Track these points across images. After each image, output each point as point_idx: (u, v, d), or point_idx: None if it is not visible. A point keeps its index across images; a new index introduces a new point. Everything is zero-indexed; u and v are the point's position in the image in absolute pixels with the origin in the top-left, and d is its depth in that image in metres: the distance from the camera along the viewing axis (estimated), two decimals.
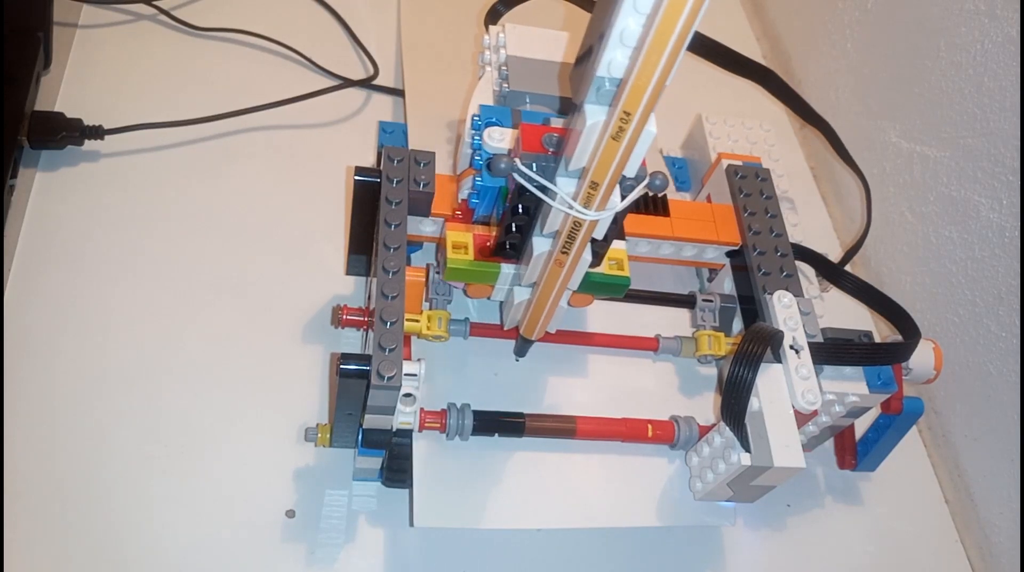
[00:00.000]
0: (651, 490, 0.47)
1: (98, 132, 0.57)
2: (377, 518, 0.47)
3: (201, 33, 0.67)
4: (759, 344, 0.42)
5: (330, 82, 0.66)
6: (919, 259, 0.62)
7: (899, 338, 0.49)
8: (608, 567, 0.48)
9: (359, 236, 0.50)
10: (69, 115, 0.57)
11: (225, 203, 0.58)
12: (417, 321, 0.45)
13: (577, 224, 0.37)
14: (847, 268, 0.55)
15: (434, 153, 0.48)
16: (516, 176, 0.38)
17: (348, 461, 0.48)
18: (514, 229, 0.43)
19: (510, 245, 0.44)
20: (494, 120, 0.48)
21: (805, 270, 0.54)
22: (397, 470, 0.45)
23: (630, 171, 0.36)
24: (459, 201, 0.48)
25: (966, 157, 0.58)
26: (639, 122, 0.31)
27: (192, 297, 0.53)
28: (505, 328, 0.49)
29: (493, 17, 0.58)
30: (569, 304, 0.45)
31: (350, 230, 0.50)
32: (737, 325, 0.52)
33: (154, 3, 0.67)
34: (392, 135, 0.49)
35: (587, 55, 0.34)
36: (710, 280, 0.56)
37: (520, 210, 0.42)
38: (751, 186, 0.53)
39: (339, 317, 0.47)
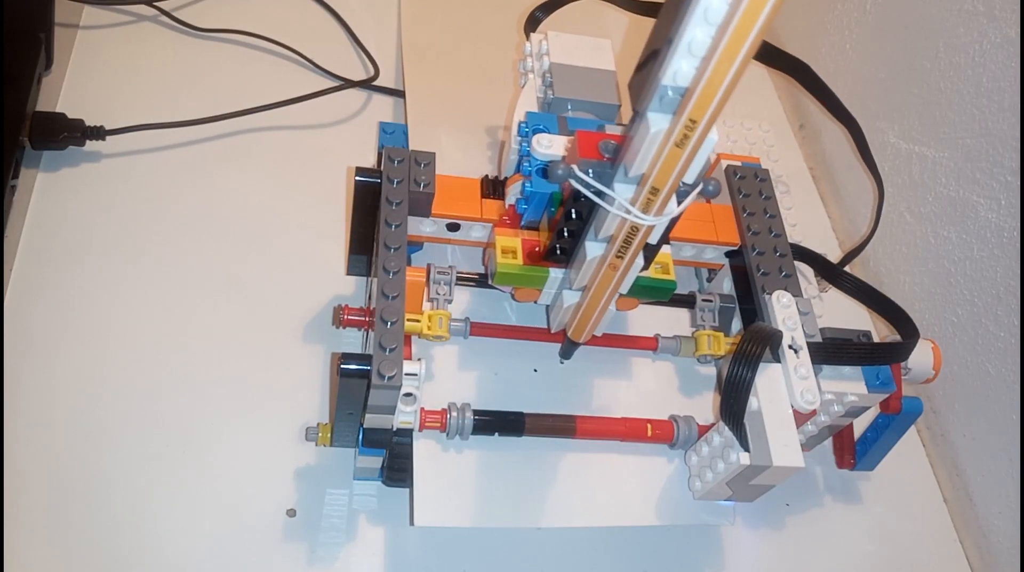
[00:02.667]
0: (650, 489, 0.47)
1: (99, 133, 0.57)
2: (378, 517, 0.47)
3: (202, 34, 0.67)
4: (758, 344, 0.42)
5: (331, 83, 0.66)
6: (918, 259, 0.63)
7: (898, 338, 0.49)
8: (608, 566, 0.48)
9: (360, 236, 0.50)
10: (71, 116, 0.57)
11: (226, 203, 0.58)
12: (418, 321, 0.45)
13: (635, 229, 0.37)
14: (846, 268, 0.56)
15: (434, 154, 0.48)
16: (573, 182, 0.38)
17: (349, 460, 0.48)
18: (566, 234, 0.43)
19: (561, 249, 0.44)
20: (541, 127, 0.49)
21: (804, 270, 0.54)
22: (398, 469, 0.45)
23: (689, 177, 0.36)
24: (507, 206, 0.49)
25: (965, 157, 0.58)
26: (704, 130, 0.31)
27: (193, 297, 0.53)
28: (552, 331, 0.49)
29: (532, 24, 0.58)
30: (616, 308, 0.46)
31: (351, 230, 0.50)
32: (736, 325, 0.52)
33: (155, 4, 0.67)
34: (392, 136, 0.49)
35: (649, 63, 0.34)
36: (709, 280, 0.57)
37: (573, 215, 0.42)
38: (750, 186, 0.53)
39: (340, 317, 0.48)
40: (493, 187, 0.51)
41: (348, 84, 0.66)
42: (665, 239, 0.42)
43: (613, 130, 0.42)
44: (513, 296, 0.49)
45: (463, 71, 0.68)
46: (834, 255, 0.65)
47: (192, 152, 0.60)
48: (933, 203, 0.61)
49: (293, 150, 0.62)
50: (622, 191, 0.38)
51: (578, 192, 0.39)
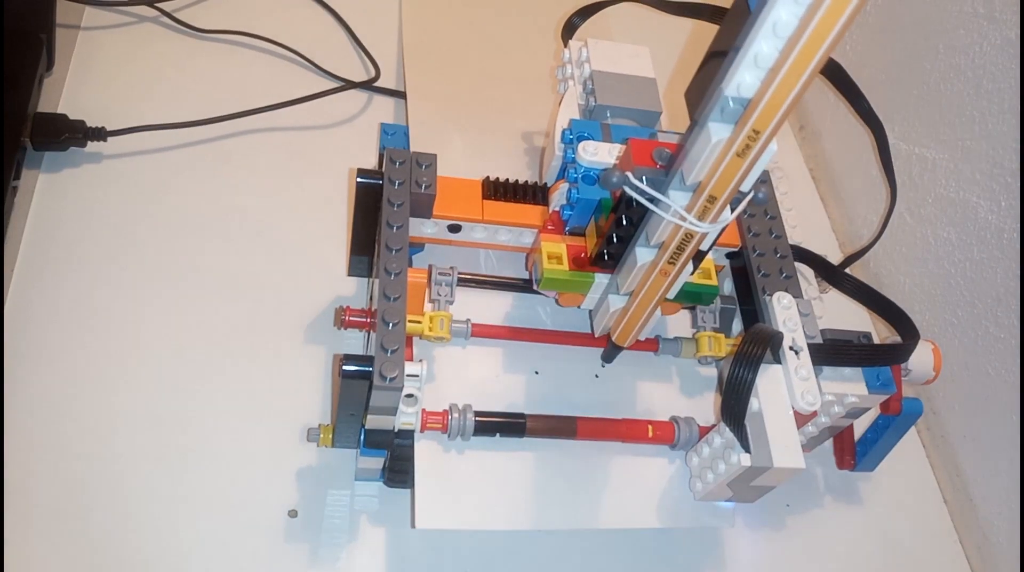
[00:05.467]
0: (651, 491, 0.47)
1: (101, 134, 0.57)
2: (379, 518, 0.47)
3: (203, 35, 0.67)
4: (759, 345, 0.42)
5: (332, 84, 0.66)
6: (918, 260, 0.63)
7: (898, 339, 0.49)
8: (609, 567, 0.48)
9: (361, 238, 0.50)
10: (72, 117, 0.57)
11: (227, 205, 0.58)
12: (419, 322, 0.45)
13: (689, 236, 0.38)
14: (847, 270, 0.56)
15: (435, 155, 0.48)
16: (627, 189, 0.39)
17: (350, 461, 0.48)
18: (615, 239, 0.44)
19: (609, 255, 0.45)
20: (586, 134, 0.49)
21: (804, 271, 0.54)
22: (399, 471, 0.45)
23: (746, 186, 0.37)
24: (550, 212, 0.49)
25: (965, 159, 0.58)
26: (766, 140, 0.32)
27: (194, 298, 0.53)
28: (596, 335, 0.49)
29: (569, 30, 0.59)
30: (661, 313, 0.46)
31: (352, 232, 0.50)
32: (737, 326, 0.52)
33: (156, 5, 0.67)
34: (394, 137, 0.49)
35: (708, 74, 0.35)
36: None
37: (624, 221, 0.43)
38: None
39: (341, 318, 0.48)
40: (495, 188, 0.52)
41: (349, 85, 0.66)
42: (712, 245, 0.43)
43: (667, 138, 0.43)
44: (557, 301, 0.50)
45: (464, 72, 0.68)
46: (834, 256, 0.65)
47: (193, 153, 0.60)
48: (933, 204, 0.61)
49: (294, 151, 0.62)
50: (677, 198, 0.38)
51: (630, 199, 0.39)
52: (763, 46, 0.31)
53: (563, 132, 0.51)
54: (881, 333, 0.63)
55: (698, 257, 0.41)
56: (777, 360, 0.45)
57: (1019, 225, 0.53)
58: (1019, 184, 0.54)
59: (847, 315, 0.61)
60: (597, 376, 0.51)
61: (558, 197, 0.49)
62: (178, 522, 0.45)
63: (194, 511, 0.45)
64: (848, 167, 0.70)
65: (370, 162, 0.51)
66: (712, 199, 0.36)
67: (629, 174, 0.39)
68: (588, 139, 0.48)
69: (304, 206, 0.59)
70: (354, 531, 0.46)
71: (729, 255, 0.53)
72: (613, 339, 0.47)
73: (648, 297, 0.42)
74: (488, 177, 0.52)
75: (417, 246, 0.53)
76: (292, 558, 0.45)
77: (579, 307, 0.49)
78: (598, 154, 0.46)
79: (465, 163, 0.60)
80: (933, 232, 0.61)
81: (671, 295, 0.43)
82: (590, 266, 0.47)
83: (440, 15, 0.73)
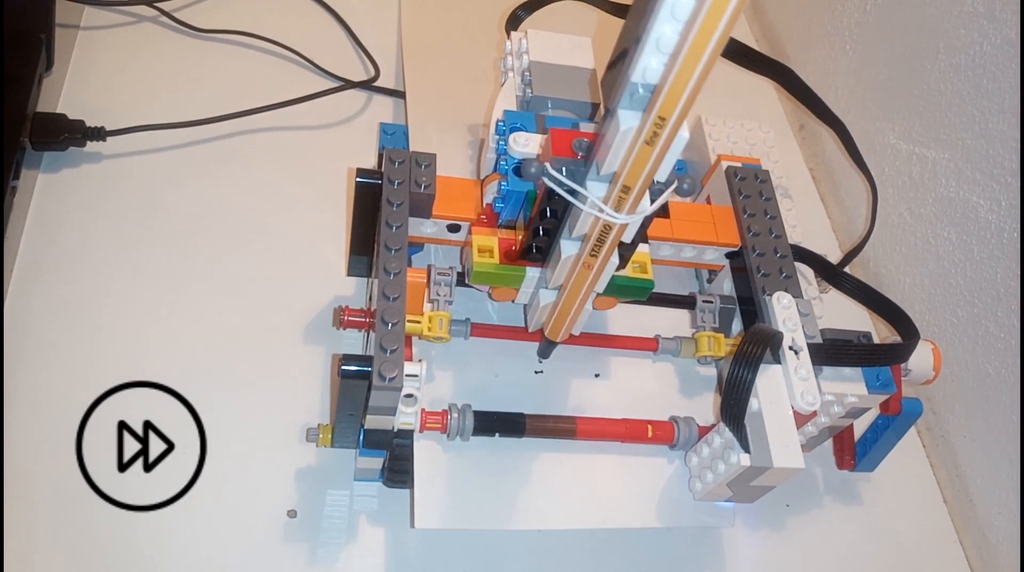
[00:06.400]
0: (651, 491, 0.47)
1: (100, 134, 0.57)
2: (378, 518, 0.47)
3: (203, 35, 0.67)
4: (758, 345, 0.42)
5: (331, 84, 0.66)
6: (918, 260, 0.63)
7: (898, 339, 0.49)
8: (609, 567, 0.48)
9: (360, 237, 0.50)
10: (71, 117, 0.57)
11: (227, 204, 0.58)
12: (418, 322, 0.45)
13: (607, 228, 0.37)
14: (846, 269, 0.56)
15: (435, 155, 0.48)
16: (546, 180, 0.38)
17: (349, 461, 0.48)
18: (541, 232, 0.43)
19: (536, 248, 0.44)
20: (519, 125, 0.49)
21: (804, 271, 0.54)
22: (398, 471, 0.45)
23: (661, 175, 0.36)
24: (484, 205, 0.49)
25: (965, 159, 0.58)
26: (673, 127, 0.31)
27: (193, 297, 0.53)
28: (530, 330, 0.49)
29: (513, 23, 0.58)
30: (593, 307, 0.46)
31: (351, 231, 0.50)
32: (736, 326, 0.52)
33: (155, 5, 0.67)
34: (393, 137, 0.49)
35: (620, 61, 0.34)
36: (709, 281, 0.57)
37: (548, 214, 0.42)
38: (750, 187, 0.53)
39: (341, 318, 0.48)
40: None
41: (348, 85, 0.66)
42: (641, 238, 0.42)
43: (587, 128, 0.42)
44: (490, 296, 0.49)
45: (464, 72, 0.68)
46: (834, 256, 0.65)
47: (193, 153, 0.60)
48: (933, 204, 0.61)
49: (293, 151, 0.62)
50: (595, 189, 0.37)
51: (552, 190, 0.38)
52: (664, 29, 0.31)
53: (497, 124, 0.50)
54: (881, 333, 0.63)
55: (625, 250, 0.41)
56: (777, 360, 0.45)
57: (1019, 225, 0.53)
58: (1019, 184, 0.53)
59: (847, 315, 0.61)
60: (597, 376, 0.51)
61: (491, 190, 0.48)
62: (177, 521, 0.45)
63: (193, 510, 0.45)
64: (848, 167, 0.70)
65: (370, 162, 0.51)
66: (626, 189, 0.35)
67: (547, 165, 0.38)
68: (521, 130, 0.47)
69: (303, 206, 0.59)
70: (353, 531, 0.46)
71: (729, 255, 0.53)
72: (546, 334, 0.47)
73: (574, 291, 0.42)
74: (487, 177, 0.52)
75: (416, 246, 0.53)
76: (291, 558, 0.45)
77: (513, 302, 0.49)
78: (529, 145, 0.45)
79: (465, 163, 0.60)
80: (933, 232, 0.61)
81: (600, 289, 0.43)
82: (520, 259, 0.46)
83: (440, 15, 0.73)
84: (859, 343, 0.48)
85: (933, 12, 0.61)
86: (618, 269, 0.42)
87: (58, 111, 0.58)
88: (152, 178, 0.58)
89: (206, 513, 0.45)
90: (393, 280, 0.42)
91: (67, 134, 0.56)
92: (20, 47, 0.56)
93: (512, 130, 0.48)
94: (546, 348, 0.48)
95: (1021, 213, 0.53)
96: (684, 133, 0.33)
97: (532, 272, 0.46)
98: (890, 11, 0.67)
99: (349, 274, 0.54)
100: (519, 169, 0.39)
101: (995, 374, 0.55)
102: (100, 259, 0.53)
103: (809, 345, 0.45)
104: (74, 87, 0.61)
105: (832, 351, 0.45)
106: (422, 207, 0.48)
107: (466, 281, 0.48)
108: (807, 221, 0.57)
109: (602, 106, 0.40)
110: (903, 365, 0.49)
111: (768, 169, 0.55)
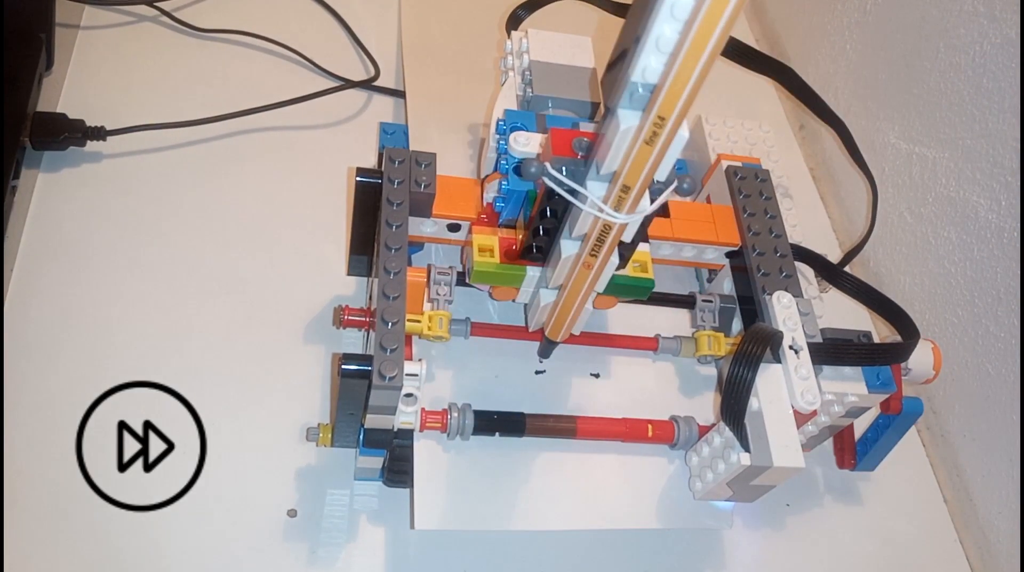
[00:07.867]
0: (651, 490, 0.47)
1: (100, 133, 0.57)
2: (378, 517, 0.47)
3: (203, 34, 0.67)
4: (759, 344, 0.42)
5: (331, 83, 0.66)
6: (918, 260, 0.63)
7: (898, 338, 0.49)
8: (609, 567, 0.48)
9: (360, 237, 0.50)
10: (71, 116, 0.57)
11: (227, 204, 0.58)
12: (418, 321, 0.45)
13: (607, 227, 0.37)
14: (846, 269, 0.56)
15: (435, 154, 0.48)
16: (546, 180, 0.38)
17: (349, 461, 0.48)
18: (541, 232, 0.43)
19: (537, 248, 0.44)
20: (519, 125, 0.49)
21: (804, 271, 0.54)
22: (398, 471, 0.45)
23: (661, 175, 0.36)
24: (484, 204, 0.49)
25: (965, 158, 0.58)
26: (673, 127, 0.31)
27: (194, 297, 0.53)
28: (530, 330, 0.49)
29: (514, 22, 0.58)
30: (593, 306, 0.46)
31: (351, 231, 0.50)
32: (736, 325, 0.52)
33: (156, 4, 0.67)
34: (393, 136, 0.49)
35: (620, 60, 0.34)
36: (709, 281, 0.57)
37: (548, 213, 0.42)
38: (750, 187, 0.53)
39: (341, 317, 0.48)
40: None
41: (349, 84, 0.66)
42: (641, 237, 0.42)
43: (587, 127, 0.42)
44: (491, 295, 0.49)
45: (464, 71, 0.68)
46: (834, 255, 0.65)
47: (193, 152, 0.60)
48: (933, 203, 0.61)
49: (294, 150, 0.62)
50: (595, 189, 0.37)
51: (552, 190, 0.38)
52: (664, 29, 0.31)
53: (498, 123, 0.50)
54: (881, 332, 0.63)
55: (625, 250, 0.41)
56: (777, 359, 0.45)
57: (1019, 224, 0.53)
58: (1019, 183, 0.53)
59: (847, 314, 0.61)
60: (597, 376, 0.51)
61: (491, 189, 0.48)
62: (177, 521, 0.45)
63: (193, 510, 0.45)
64: (848, 167, 0.70)
65: (370, 161, 0.51)
66: (626, 189, 0.35)
67: (547, 164, 0.38)
68: (521, 130, 0.47)
69: (303, 205, 0.59)
70: (353, 531, 0.46)
71: (729, 254, 0.53)
72: (546, 334, 0.47)
73: (574, 291, 0.42)
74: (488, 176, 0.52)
75: (416, 245, 0.53)
76: (291, 558, 0.45)
77: (514, 301, 0.49)
78: (529, 145, 0.45)
79: (465, 162, 0.60)
80: (933, 231, 0.61)
81: (600, 288, 0.43)
82: (520, 259, 0.46)
83: (440, 14, 0.73)
84: (859, 342, 0.48)
85: (933, 12, 0.61)
86: (618, 268, 0.42)
87: (58, 111, 0.58)
88: (152, 178, 0.58)
89: (206, 513, 0.45)
90: (393, 279, 0.42)
91: (67, 134, 0.56)
92: (20, 47, 0.56)
93: (512, 129, 0.48)
94: (546, 348, 0.49)
95: (1021, 213, 0.53)
96: (684, 132, 0.33)
97: (532, 272, 0.46)
98: (890, 11, 0.67)
99: (349, 273, 0.54)
100: (519, 168, 0.39)
101: (995, 373, 0.55)
102: (100, 259, 0.53)
103: (809, 344, 0.45)
104: (74, 87, 0.61)
105: (832, 350, 0.45)
106: (422, 206, 0.48)
107: (466, 280, 0.48)
108: (807, 221, 0.57)
109: (602, 105, 0.40)
110: (903, 364, 0.49)
111: (768, 168, 0.55)
